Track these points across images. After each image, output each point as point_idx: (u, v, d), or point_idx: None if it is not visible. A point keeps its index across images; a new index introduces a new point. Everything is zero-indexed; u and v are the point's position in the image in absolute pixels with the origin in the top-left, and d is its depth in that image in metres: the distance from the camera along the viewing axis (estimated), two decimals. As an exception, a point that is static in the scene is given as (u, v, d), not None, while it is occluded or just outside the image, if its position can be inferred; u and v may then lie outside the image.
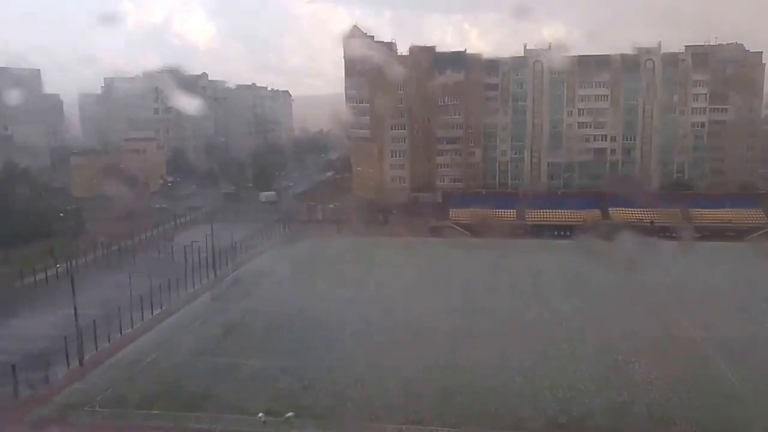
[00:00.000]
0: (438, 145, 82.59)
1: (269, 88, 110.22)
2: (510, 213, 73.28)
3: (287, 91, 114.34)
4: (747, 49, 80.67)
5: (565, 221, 70.04)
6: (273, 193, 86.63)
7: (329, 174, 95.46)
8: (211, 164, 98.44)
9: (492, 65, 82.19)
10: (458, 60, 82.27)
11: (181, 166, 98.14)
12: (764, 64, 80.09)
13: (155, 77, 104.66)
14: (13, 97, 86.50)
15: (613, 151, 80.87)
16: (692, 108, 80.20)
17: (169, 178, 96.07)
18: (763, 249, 58.92)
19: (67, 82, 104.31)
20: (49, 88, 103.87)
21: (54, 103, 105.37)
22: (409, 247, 61.40)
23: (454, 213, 73.06)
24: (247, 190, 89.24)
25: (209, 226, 50.69)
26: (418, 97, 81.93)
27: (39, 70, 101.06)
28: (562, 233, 67.53)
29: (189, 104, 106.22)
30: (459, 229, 69.81)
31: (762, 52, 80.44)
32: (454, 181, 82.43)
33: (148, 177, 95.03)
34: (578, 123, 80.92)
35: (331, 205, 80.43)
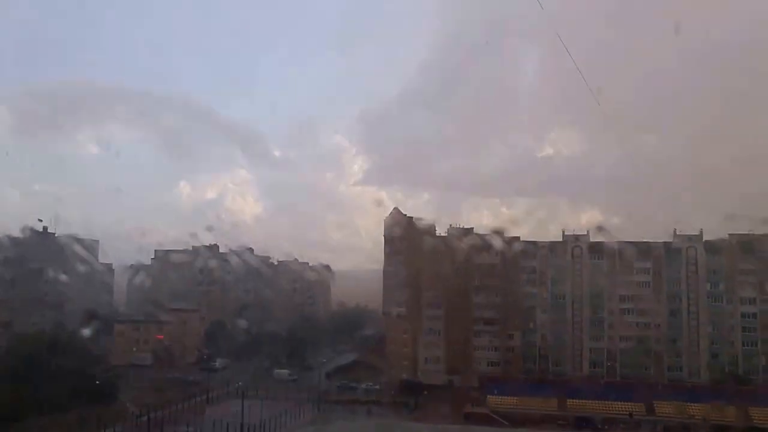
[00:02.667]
0: (475, 326, 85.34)
1: (311, 264, 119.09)
2: (551, 402, 73.27)
3: (328, 266, 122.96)
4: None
5: (609, 413, 69.45)
6: (287, 371, 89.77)
7: (363, 351, 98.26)
8: (248, 338, 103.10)
9: (530, 248, 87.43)
10: (496, 241, 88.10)
11: (219, 338, 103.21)
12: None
13: (203, 251, 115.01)
14: (73, 264, 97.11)
15: (657, 340, 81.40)
16: (740, 297, 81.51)
17: (206, 351, 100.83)
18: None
19: (120, 252, 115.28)
20: (103, 257, 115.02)
21: (107, 272, 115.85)
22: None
23: (492, 399, 73.55)
24: (282, 366, 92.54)
25: (240, 401, 53.50)
26: (455, 276, 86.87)
27: (98, 240, 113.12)
28: (605, 427, 66.93)
29: (233, 278, 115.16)
30: (496, 417, 69.87)
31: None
32: (492, 365, 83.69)
33: (186, 348, 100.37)
34: (620, 309, 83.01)
35: (363, 385, 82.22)
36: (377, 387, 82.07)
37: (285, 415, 64.11)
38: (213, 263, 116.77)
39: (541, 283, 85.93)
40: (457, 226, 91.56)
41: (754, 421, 67.18)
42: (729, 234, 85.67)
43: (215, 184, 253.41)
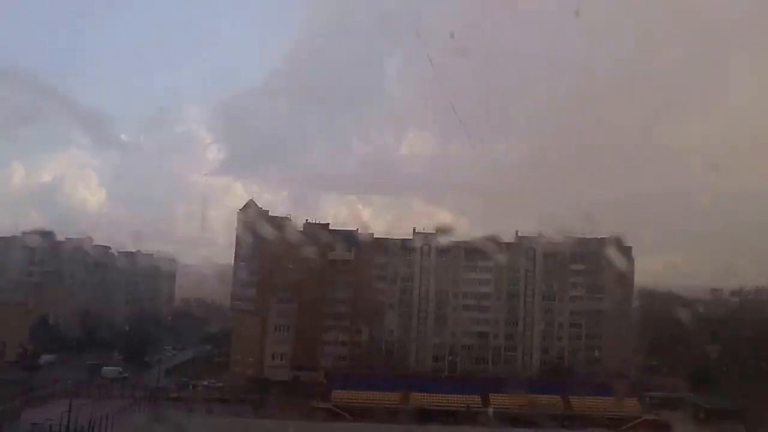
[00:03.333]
0: (325, 322, 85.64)
1: (155, 255, 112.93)
2: (394, 396, 75.40)
3: (173, 259, 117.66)
4: (621, 243, 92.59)
5: (448, 405, 72.77)
6: (117, 369, 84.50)
7: (207, 348, 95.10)
8: (81, 333, 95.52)
9: (382, 245, 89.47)
10: (350, 238, 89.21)
11: (47, 333, 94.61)
12: (633, 258, 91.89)
13: (35, 238, 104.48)
14: None
15: (495, 336, 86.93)
16: (570, 296, 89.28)
17: (30, 346, 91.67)
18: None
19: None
20: None
21: None
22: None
23: (337, 394, 74.07)
24: (115, 363, 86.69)
25: (68, 402, 49.26)
26: (309, 272, 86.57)
27: None
28: (447, 419, 69.97)
29: (68, 269, 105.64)
30: (340, 411, 70.60)
31: (632, 247, 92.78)
32: (340, 360, 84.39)
33: (7, 345, 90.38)
34: (463, 306, 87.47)
35: (205, 382, 79.37)
36: (220, 384, 79.63)
37: (118, 415, 59.64)
38: (46, 252, 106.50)
39: (392, 279, 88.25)
40: (314, 221, 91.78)
41: (574, 409, 74.14)
42: (565, 237, 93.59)
43: (53, 166, 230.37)
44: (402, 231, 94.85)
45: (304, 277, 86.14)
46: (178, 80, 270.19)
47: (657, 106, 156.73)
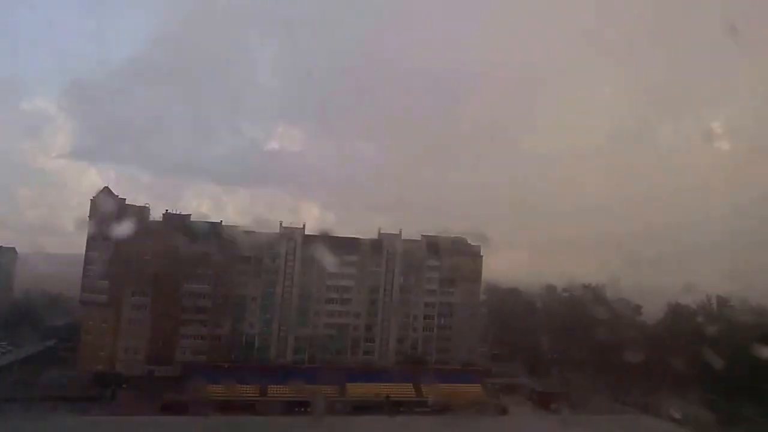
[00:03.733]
0: (184, 315, 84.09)
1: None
2: (253, 388, 76.44)
3: (13, 248, 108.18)
4: (470, 242, 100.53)
5: (306, 396, 74.99)
6: None
7: (50, 343, 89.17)
8: None
9: (247, 238, 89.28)
10: (213, 230, 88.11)
11: None
12: (482, 256, 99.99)
13: None
14: None
15: (355, 328, 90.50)
16: (425, 289, 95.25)
17: None
18: (486, 422, 69.74)
19: None
20: None
21: None
22: (131, 428, 59.76)
23: (193, 388, 73.44)
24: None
25: None
26: (168, 263, 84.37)
27: None
28: (303, 409, 72.08)
29: None
30: (195, 406, 69.98)
31: (481, 245, 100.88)
32: (198, 354, 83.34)
33: None
34: (326, 299, 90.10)
35: (47, 379, 74.73)
36: (64, 381, 75.37)
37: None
38: None
39: (255, 273, 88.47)
40: (174, 211, 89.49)
41: (425, 396, 79.85)
42: (422, 235, 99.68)
43: None
44: (268, 224, 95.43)
45: (162, 269, 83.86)
46: (32, 60, 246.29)
47: (510, 112, 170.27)
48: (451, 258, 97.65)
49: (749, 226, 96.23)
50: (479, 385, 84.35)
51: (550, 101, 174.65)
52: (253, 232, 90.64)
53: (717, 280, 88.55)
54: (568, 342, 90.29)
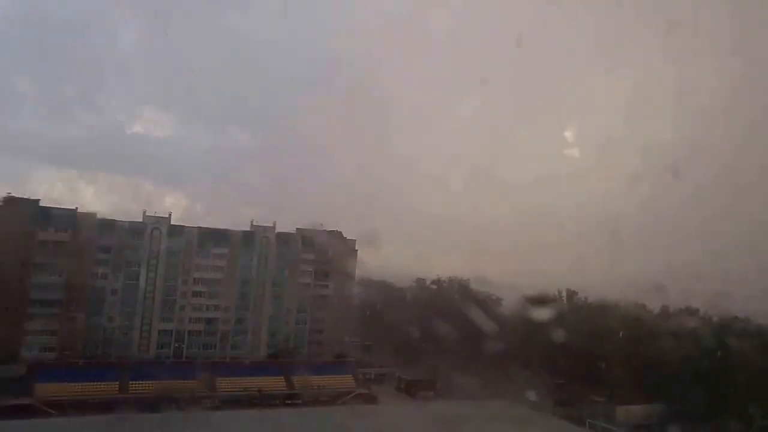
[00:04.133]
0: (30, 309, 76.70)
1: None
2: (112, 386, 71.86)
3: None
4: (345, 236, 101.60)
5: (171, 392, 71.69)
6: None
7: None
8: None
9: (106, 227, 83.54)
10: (66, 217, 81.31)
11: None
12: (356, 250, 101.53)
13: None
14: None
15: (225, 321, 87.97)
16: (300, 283, 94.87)
17: None
18: (354, 412, 70.81)
19: None
20: None
21: None
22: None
23: (41, 388, 67.74)
24: None
25: None
26: (9, 254, 76.55)
27: None
28: (170, 405, 68.75)
29: None
30: (43, 407, 64.66)
31: (356, 240, 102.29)
32: (48, 350, 76.41)
33: None
34: (193, 292, 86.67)
35: None
36: None
37: None
38: None
39: (115, 263, 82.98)
40: (19, 195, 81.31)
41: (297, 388, 79.94)
42: (297, 228, 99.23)
43: None
44: (130, 213, 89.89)
45: (4, 258, 76.01)
46: None
47: (388, 112, 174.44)
48: (326, 251, 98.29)
49: (595, 224, 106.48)
50: (351, 376, 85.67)
51: (424, 104, 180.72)
52: (114, 220, 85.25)
53: (567, 274, 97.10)
54: (436, 332, 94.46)
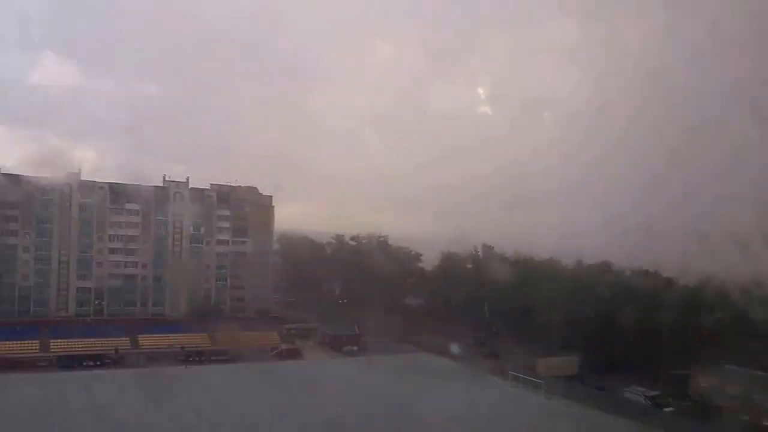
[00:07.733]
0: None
1: None
2: (32, 345, 75.74)
3: None
4: (261, 192, 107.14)
5: (94, 350, 76.80)
6: None
7: None
8: None
9: (11, 183, 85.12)
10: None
11: None
12: (273, 206, 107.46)
13: None
14: None
15: (144, 278, 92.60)
16: (217, 239, 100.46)
17: None
18: (280, 366, 77.98)
19: None
20: None
21: None
22: None
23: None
24: None
25: None
26: None
27: None
28: (96, 363, 73.74)
29: None
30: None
31: (272, 196, 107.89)
32: (-45, 311, 78.90)
33: None
34: (109, 249, 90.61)
35: None
36: None
37: None
38: None
39: (25, 221, 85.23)
40: None
41: (221, 345, 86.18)
42: (211, 183, 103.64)
43: None
44: (37, 169, 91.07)
45: None
46: None
47: (302, 68, 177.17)
48: (242, 208, 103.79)
49: (510, 183, 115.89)
50: (275, 331, 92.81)
51: (341, 60, 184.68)
52: (19, 176, 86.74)
53: (484, 231, 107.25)
54: (357, 287, 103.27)
